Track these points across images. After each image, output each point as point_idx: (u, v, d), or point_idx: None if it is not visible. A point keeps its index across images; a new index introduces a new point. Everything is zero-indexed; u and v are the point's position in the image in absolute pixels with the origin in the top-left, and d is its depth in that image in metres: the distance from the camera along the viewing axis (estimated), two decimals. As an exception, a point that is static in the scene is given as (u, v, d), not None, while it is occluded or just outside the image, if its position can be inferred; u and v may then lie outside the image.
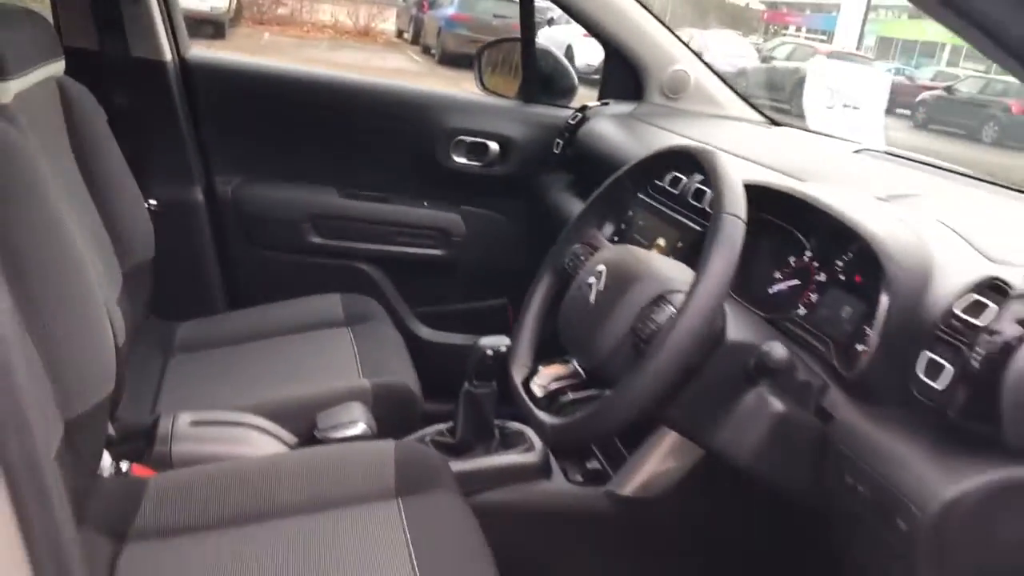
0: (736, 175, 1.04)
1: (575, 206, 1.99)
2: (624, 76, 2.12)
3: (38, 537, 0.61)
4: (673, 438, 1.47)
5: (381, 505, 1.22)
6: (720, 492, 1.45)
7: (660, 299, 1.02)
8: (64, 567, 0.63)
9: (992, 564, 0.91)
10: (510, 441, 1.54)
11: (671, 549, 1.50)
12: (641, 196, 1.49)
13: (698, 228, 1.38)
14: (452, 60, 12.68)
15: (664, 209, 1.46)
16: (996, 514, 0.87)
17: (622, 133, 1.93)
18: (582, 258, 1.22)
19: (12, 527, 0.60)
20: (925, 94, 14.81)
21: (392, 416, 1.54)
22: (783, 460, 1.06)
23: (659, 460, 1.48)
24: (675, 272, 1.07)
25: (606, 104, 2.11)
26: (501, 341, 1.48)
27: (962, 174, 1.52)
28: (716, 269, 0.94)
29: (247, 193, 2.09)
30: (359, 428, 1.43)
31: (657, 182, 1.45)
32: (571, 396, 1.11)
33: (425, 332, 2.20)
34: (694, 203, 1.41)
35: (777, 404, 1.04)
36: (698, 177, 1.44)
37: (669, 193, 1.47)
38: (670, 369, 0.95)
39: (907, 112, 14.51)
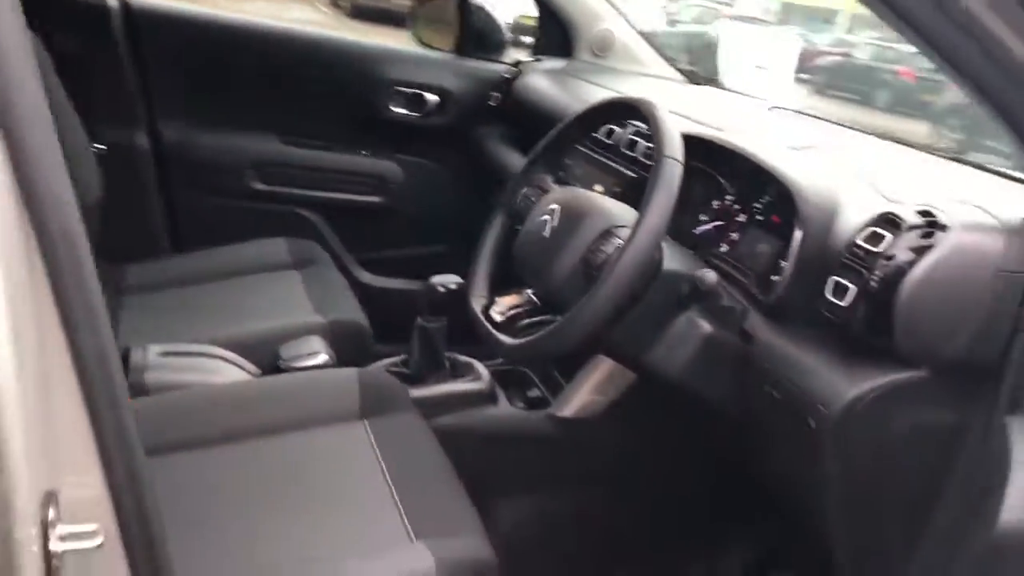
0: (674, 123, 1.18)
1: (511, 156, 2.11)
2: (555, 34, 2.24)
3: (106, 429, 0.70)
4: (606, 367, 1.63)
5: (349, 425, 1.34)
6: (647, 414, 1.62)
7: (607, 233, 1.16)
8: (134, 469, 0.72)
9: (884, 454, 1.09)
10: (459, 371, 1.67)
11: (606, 465, 1.66)
12: (578, 146, 1.62)
13: (632, 174, 1.52)
14: (363, 14, 12.45)
15: (599, 158, 1.60)
16: (888, 410, 1.05)
17: (556, 87, 2.05)
18: (533, 199, 1.35)
19: (86, 423, 0.69)
20: (824, 60, 15.32)
21: (347, 351, 1.64)
22: (709, 374, 1.22)
23: (594, 386, 1.63)
24: (619, 210, 1.21)
25: (539, 60, 2.22)
26: (451, 279, 1.61)
27: (860, 130, 1.71)
28: (658, 206, 1.08)
29: (191, 138, 2.13)
30: (321, 358, 1.53)
31: (592, 133, 1.59)
32: (527, 321, 1.24)
33: (366, 277, 2.29)
34: (627, 152, 1.56)
35: (705, 326, 1.20)
36: (631, 128, 1.58)
37: (603, 143, 1.61)
38: (617, 293, 1.09)
39: (806, 77, 15.00)
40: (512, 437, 1.64)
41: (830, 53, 15.84)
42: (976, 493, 1.02)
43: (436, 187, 2.32)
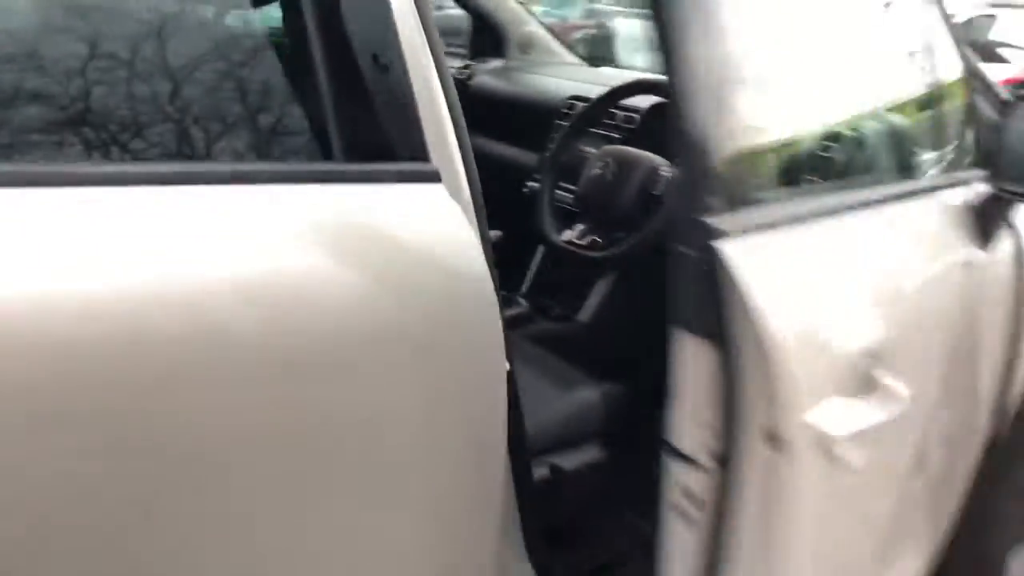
0: None
1: (475, 139, 2.63)
2: (487, 38, 2.77)
3: None
4: (611, 277, 2.20)
5: None
6: (651, 310, 2.21)
7: (654, 170, 1.73)
8: None
9: None
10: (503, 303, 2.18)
11: (627, 352, 2.22)
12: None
13: (618, 137, 2.09)
14: None
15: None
16: None
17: (508, 82, 2.60)
18: (580, 158, 1.89)
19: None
20: (579, 33, 16.45)
21: None
22: None
23: (606, 296, 2.21)
24: (654, 157, 1.78)
25: (484, 61, 2.75)
26: (493, 233, 2.12)
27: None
28: None
29: None
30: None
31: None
32: (602, 240, 1.78)
33: None
34: (609, 122, 2.13)
35: None
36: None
37: None
38: None
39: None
40: (551, 346, 2.17)
41: (584, 26, 17.04)
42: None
43: None
